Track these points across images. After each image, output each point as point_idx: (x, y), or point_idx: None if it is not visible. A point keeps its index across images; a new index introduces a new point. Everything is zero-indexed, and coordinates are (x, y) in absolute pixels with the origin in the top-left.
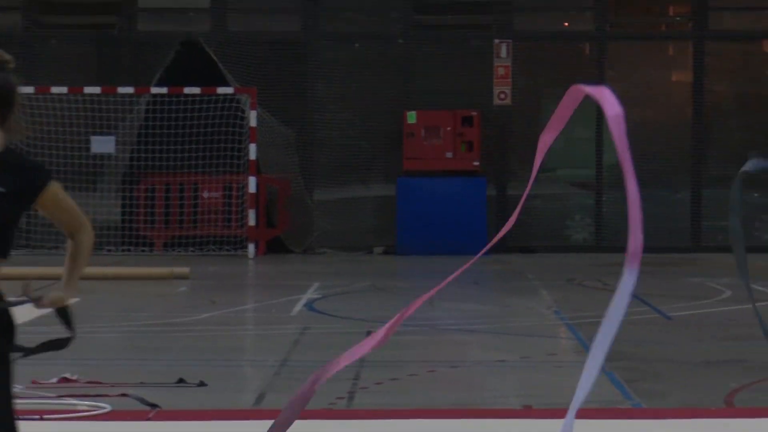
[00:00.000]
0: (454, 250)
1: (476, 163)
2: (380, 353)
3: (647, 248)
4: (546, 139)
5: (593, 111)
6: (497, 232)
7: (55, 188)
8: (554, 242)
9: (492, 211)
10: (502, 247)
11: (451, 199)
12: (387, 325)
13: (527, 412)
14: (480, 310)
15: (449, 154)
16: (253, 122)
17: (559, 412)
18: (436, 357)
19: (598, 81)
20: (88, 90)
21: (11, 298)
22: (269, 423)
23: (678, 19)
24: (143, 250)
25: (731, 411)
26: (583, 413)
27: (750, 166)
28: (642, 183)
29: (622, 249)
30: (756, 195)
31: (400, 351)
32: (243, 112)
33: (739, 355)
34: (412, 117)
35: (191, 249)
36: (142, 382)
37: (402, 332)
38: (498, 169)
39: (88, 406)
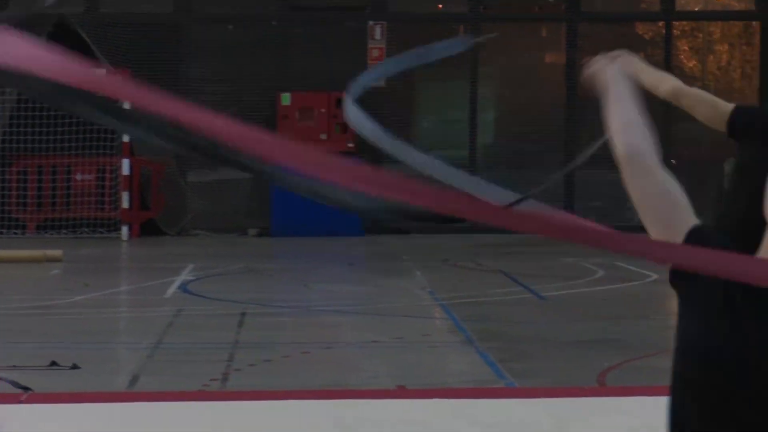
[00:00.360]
0: (328, 231)
1: (351, 145)
2: (254, 334)
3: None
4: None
5: (467, 92)
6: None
7: None
8: (429, 223)
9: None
10: (376, 229)
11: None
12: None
13: (401, 392)
14: (354, 291)
15: (323, 136)
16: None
17: (432, 392)
18: (309, 338)
19: (472, 63)
20: None
21: None
22: (143, 405)
23: (551, 1)
24: (15, 233)
25: (604, 390)
26: (455, 393)
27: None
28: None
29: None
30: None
31: (274, 332)
32: None
33: (612, 335)
34: (286, 99)
35: (64, 231)
36: (14, 366)
37: (275, 314)
38: (372, 150)
39: None
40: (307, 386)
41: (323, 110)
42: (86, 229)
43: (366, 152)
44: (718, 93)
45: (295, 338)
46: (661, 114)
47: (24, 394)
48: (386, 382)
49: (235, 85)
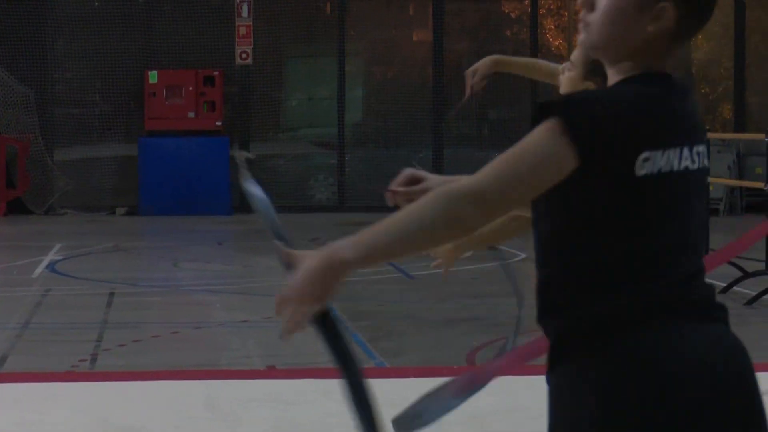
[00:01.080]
0: (197, 210)
1: (219, 123)
2: (121, 314)
3: (376, 208)
4: None
5: (334, 70)
6: (241, 191)
7: None
8: (297, 202)
9: (234, 170)
10: (244, 208)
11: (193, 160)
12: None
13: (271, 372)
14: (223, 270)
15: (191, 114)
16: None
17: (301, 372)
18: (179, 318)
19: (339, 39)
20: None
21: None
22: (12, 386)
23: None
24: None
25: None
26: (325, 372)
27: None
28: (384, 142)
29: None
30: (496, 155)
31: (143, 312)
32: None
33: (480, 313)
34: (153, 77)
35: None
36: None
37: (144, 293)
38: (241, 129)
39: None
40: (177, 366)
41: (191, 88)
42: None
43: (235, 132)
44: None
45: (164, 318)
46: (528, 89)
47: None
48: (257, 361)
49: (101, 61)
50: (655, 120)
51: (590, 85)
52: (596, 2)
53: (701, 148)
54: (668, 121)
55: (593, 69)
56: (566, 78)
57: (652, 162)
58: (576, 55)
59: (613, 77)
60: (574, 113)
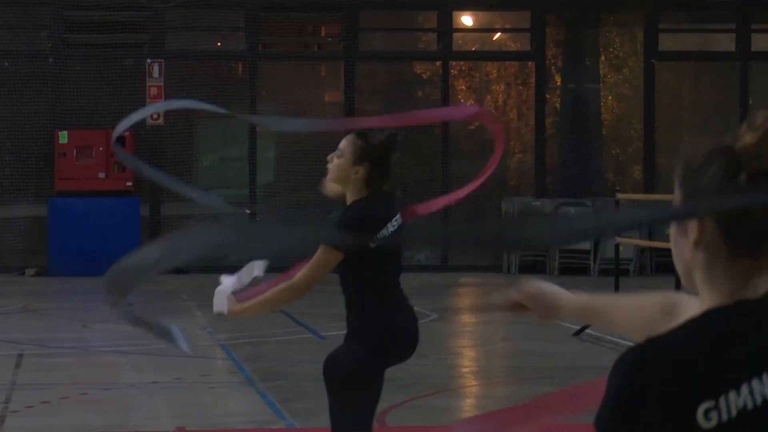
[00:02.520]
0: (107, 270)
1: (129, 183)
2: (30, 376)
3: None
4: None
5: (246, 131)
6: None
7: None
8: (209, 263)
9: (145, 231)
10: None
11: (104, 219)
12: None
13: None
14: (133, 331)
15: (102, 174)
16: None
17: None
18: (88, 379)
19: (251, 101)
20: None
21: None
22: None
23: (330, 39)
24: None
25: (384, 430)
26: None
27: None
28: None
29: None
30: None
31: (51, 373)
32: None
33: (392, 373)
34: (63, 137)
35: None
36: None
37: (52, 354)
38: (151, 189)
39: None
40: (86, 428)
41: (101, 148)
42: None
43: (144, 191)
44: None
45: (73, 379)
46: (439, 153)
47: None
48: (166, 423)
49: (11, 121)
50: None
51: (359, 170)
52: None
53: None
54: None
55: (361, 156)
56: (334, 166)
57: None
58: (344, 144)
59: None
60: None
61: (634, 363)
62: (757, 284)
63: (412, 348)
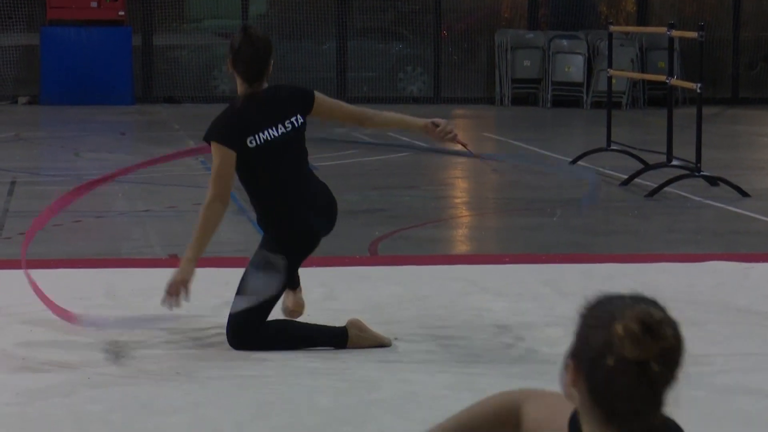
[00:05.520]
0: (99, 99)
1: (121, 13)
2: (24, 203)
3: None
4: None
5: None
6: (143, 81)
7: None
8: (200, 93)
9: (137, 61)
10: (147, 98)
11: (96, 49)
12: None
13: (173, 261)
14: (126, 159)
15: (94, 4)
16: None
17: (205, 261)
18: (81, 207)
19: None
20: None
21: None
22: None
23: None
24: None
25: (374, 259)
26: (228, 262)
27: None
28: (289, 34)
29: None
30: (400, 46)
31: (45, 201)
32: None
33: (381, 205)
34: None
35: None
36: None
37: (46, 182)
38: (143, 18)
39: None
40: (79, 255)
41: None
42: None
43: (137, 22)
44: None
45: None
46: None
47: None
48: (158, 250)
49: None
50: None
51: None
52: None
53: None
54: None
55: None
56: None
57: None
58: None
59: None
60: None
61: None
62: None
63: (329, 230)
